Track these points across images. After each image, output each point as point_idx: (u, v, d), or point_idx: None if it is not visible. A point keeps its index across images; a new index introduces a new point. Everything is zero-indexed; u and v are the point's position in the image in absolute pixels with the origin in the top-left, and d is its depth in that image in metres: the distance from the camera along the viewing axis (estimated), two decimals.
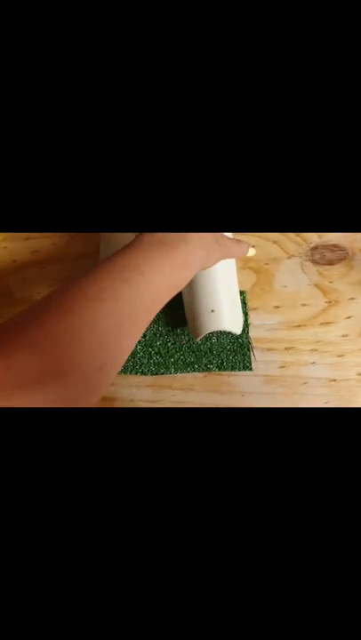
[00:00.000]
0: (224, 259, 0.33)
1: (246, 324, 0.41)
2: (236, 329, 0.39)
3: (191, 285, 0.39)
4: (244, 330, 0.41)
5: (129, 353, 0.27)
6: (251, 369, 0.40)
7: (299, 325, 0.43)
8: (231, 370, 0.40)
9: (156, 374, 0.40)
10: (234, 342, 0.41)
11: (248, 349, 0.40)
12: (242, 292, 0.43)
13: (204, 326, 0.37)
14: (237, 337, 0.41)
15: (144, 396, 0.41)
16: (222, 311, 0.38)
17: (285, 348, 0.42)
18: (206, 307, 0.38)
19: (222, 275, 0.39)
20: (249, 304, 0.43)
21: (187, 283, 0.29)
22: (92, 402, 0.26)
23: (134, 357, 0.40)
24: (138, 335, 0.27)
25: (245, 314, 0.42)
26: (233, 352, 0.40)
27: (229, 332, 0.41)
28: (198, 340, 0.39)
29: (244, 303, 0.42)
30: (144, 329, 0.27)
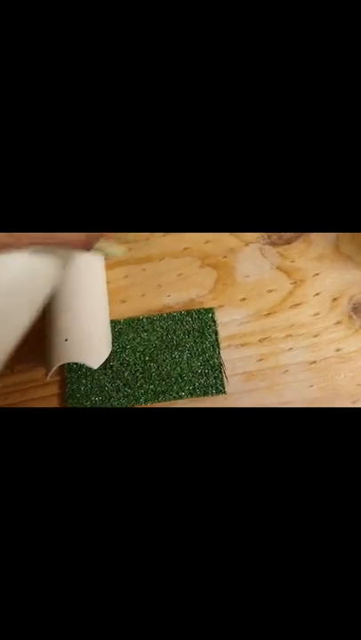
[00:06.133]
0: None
1: (217, 343, 0.39)
2: (94, 361, 0.33)
3: (46, 310, 0.35)
4: (215, 350, 0.39)
5: None
6: (224, 392, 0.38)
7: (269, 313, 0.41)
8: (204, 395, 0.38)
9: (127, 407, 0.38)
10: (205, 364, 0.38)
11: (220, 371, 0.38)
12: (209, 310, 0.40)
13: (55, 357, 0.32)
14: (208, 359, 0.38)
15: None
16: (77, 340, 0.33)
17: (259, 340, 0.40)
18: (60, 335, 0.33)
19: (84, 297, 0.35)
20: (213, 302, 0.41)
21: None
22: None
23: (102, 391, 0.38)
24: None
25: (215, 333, 0.39)
26: (205, 376, 0.38)
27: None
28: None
29: (213, 321, 0.40)
30: None
